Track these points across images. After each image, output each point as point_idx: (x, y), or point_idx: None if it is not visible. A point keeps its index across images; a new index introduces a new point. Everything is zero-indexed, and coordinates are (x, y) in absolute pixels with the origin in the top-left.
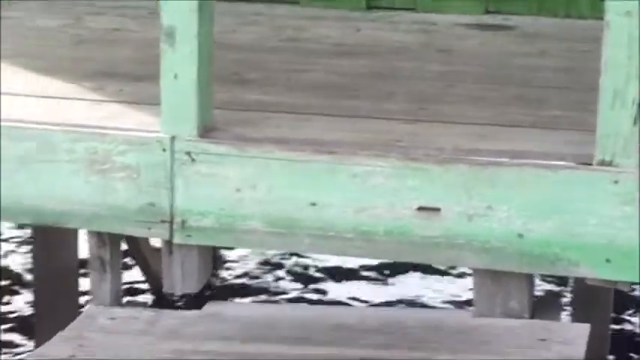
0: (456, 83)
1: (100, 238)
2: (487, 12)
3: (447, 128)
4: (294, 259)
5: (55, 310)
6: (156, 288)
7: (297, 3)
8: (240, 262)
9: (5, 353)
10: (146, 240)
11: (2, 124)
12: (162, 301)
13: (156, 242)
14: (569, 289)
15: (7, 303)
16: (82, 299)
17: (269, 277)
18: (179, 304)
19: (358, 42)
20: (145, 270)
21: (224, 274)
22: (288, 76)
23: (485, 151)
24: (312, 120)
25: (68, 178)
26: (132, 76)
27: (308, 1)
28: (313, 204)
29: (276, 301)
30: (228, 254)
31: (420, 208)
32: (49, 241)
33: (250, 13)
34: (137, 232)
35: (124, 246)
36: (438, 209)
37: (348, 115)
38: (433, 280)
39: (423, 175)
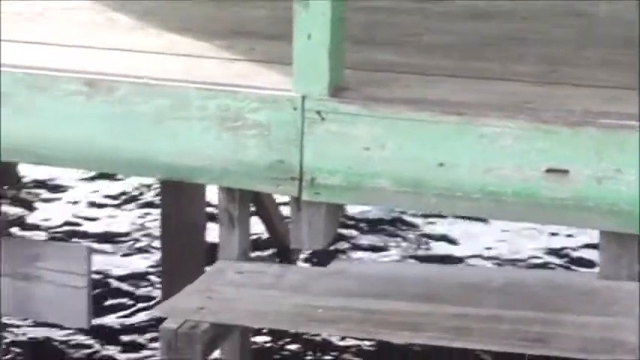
0: (587, 46)
1: (230, 193)
2: None
3: (577, 91)
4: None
5: (182, 264)
6: (280, 243)
7: None
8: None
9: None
10: (270, 196)
11: (135, 81)
12: (287, 256)
13: (280, 198)
14: None
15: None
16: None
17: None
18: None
19: (491, 4)
20: (270, 226)
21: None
22: (419, 38)
23: (614, 114)
24: (442, 81)
25: (200, 135)
26: (263, 35)
27: None
28: (441, 164)
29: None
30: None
31: (549, 170)
32: (177, 195)
33: None
34: (266, 188)
35: None
36: (566, 171)
37: (478, 77)
38: None
39: (552, 137)
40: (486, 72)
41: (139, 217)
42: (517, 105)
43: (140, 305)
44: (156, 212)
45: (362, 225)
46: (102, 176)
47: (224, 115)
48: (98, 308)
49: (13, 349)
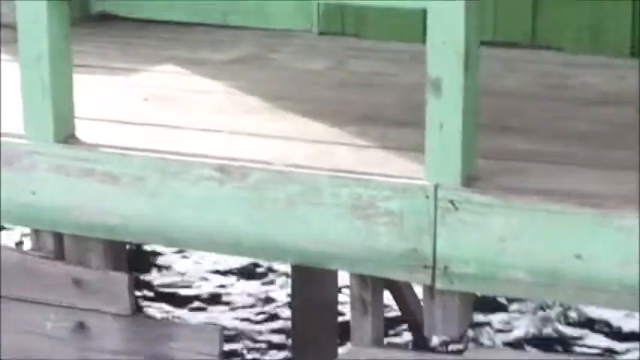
0: None
1: (362, 279)
2: None
3: None
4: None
5: (312, 345)
6: (415, 330)
7: (561, 50)
8: None
9: None
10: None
11: (267, 167)
12: (421, 343)
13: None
14: None
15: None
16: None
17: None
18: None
19: (623, 90)
20: (404, 311)
21: None
22: (551, 125)
23: None
24: (576, 170)
25: (332, 222)
26: (395, 122)
27: (573, 47)
28: (578, 256)
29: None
30: None
31: None
32: (309, 276)
33: (514, 58)
34: (399, 275)
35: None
36: None
37: (613, 167)
38: None
39: None
40: (622, 161)
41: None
42: None
43: None
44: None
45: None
46: None
47: (356, 204)
48: None
49: None
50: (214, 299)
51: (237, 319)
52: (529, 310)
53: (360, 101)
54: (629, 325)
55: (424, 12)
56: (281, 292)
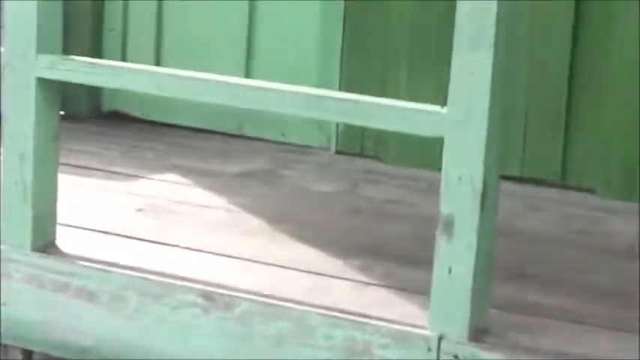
0: None
1: None
2: None
3: None
4: None
5: None
6: None
7: (593, 192)
8: None
9: None
10: None
11: (256, 298)
12: None
13: None
14: None
15: None
16: None
17: None
18: None
19: None
20: None
21: None
22: (572, 277)
23: None
24: (595, 332)
25: None
26: (403, 258)
27: (606, 191)
28: None
29: None
30: None
31: None
32: None
33: (539, 197)
34: None
35: None
36: None
37: (634, 331)
38: None
39: None
40: None
41: None
42: None
43: None
44: None
45: None
46: None
47: (350, 348)
48: None
49: None
50: None
51: None
52: None
53: (368, 231)
54: None
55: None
56: None
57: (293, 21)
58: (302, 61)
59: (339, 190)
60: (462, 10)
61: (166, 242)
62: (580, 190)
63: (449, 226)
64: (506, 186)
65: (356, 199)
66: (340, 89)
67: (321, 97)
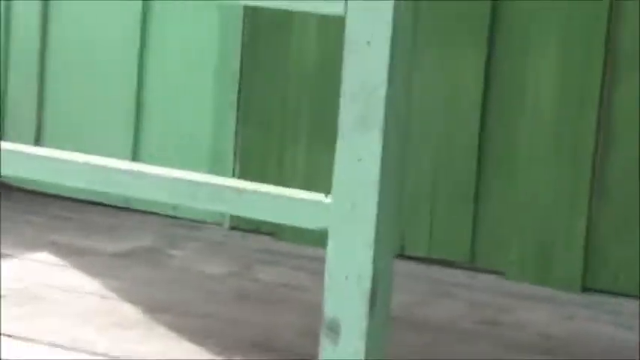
0: None
1: None
2: None
3: None
4: None
5: None
6: None
7: (502, 274)
8: None
9: None
10: None
11: None
12: None
13: None
14: None
15: None
16: None
17: None
18: None
19: (568, 334)
20: None
21: None
22: None
23: None
24: None
25: None
26: (289, 352)
27: (516, 274)
28: None
29: None
30: None
31: None
32: None
33: (447, 281)
34: None
35: None
36: None
37: None
38: None
39: None
40: None
41: None
42: None
43: None
44: None
45: None
46: None
47: None
48: None
49: None
50: None
51: None
52: None
53: (254, 321)
54: None
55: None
56: None
57: (185, 89)
58: (195, 132)
59: (229, 271)
60: (347, 84)
61: (24, 336)
62: (490, 272)
63: (333, 330)
64: (413, 268)
65: (247, 283)
66: (235, 163)
67: (197, 184)
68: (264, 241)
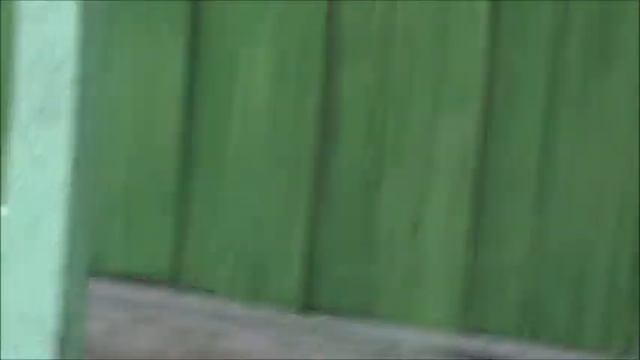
0: None
1: None
2: (466, 330)
3: None
4: None
5: None
6: None
7: (212, 292)
8: None
9: None
10: None
11: None
12: None
13: None
14: None
15: None
16: None
17: None
18: None
19: None
20: None
21: None
22: None
23: None
24: None
25: None
26: None
27: (226, 290)
28: None
29: None
30: None
31: None
32: None
33: (147, 302)
34: None
35: None
36: None
37: None
38: None
39: None
40: None
41: None
42: None
43: None
44: None
45: None
46: None
47: None
48: None
49: None
50: None
51: None
52: None
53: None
54: None
55: None
56: None
57: None
58: None
59: None
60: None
61: None
62: (197, 290)
63: None
64: (106, 288)
65: None
66: None
67: None
68: None
